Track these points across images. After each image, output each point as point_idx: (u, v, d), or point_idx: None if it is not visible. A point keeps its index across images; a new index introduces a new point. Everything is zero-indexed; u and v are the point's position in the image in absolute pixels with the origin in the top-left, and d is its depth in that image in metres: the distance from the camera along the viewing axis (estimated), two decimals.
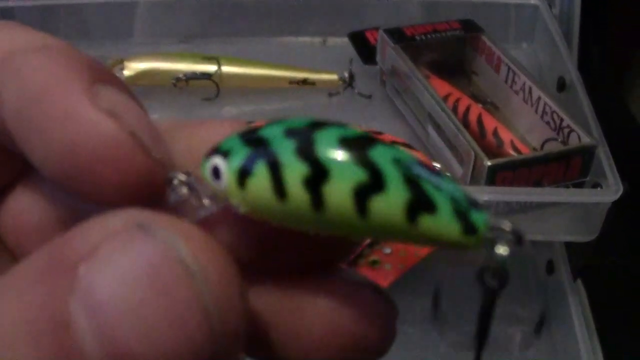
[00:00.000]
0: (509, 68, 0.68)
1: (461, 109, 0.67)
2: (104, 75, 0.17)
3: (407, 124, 0.69)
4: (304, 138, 0.14)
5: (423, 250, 0.76)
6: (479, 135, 0.65)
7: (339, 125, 0.14)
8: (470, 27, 0.73)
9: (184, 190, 0.16)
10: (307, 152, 0.14)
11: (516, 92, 0.68)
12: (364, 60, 0.77)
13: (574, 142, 0.60)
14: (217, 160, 0.15)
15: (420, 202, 0.14)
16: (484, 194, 0.57)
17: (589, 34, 0.95)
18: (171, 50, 0.78)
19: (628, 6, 1.13)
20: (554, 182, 0.59)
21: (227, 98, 0.74)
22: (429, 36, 0.72)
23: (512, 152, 0.63)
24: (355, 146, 0.14)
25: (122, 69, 0.71)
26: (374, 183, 0.14)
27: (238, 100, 0.74)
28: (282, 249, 0.16)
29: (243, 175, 0.15)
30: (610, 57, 1.14)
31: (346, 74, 0.74)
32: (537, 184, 0.59)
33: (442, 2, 0.85)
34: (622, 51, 1.20)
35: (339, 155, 0.14)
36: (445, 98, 0.67)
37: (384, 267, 0.74)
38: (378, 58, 0.74)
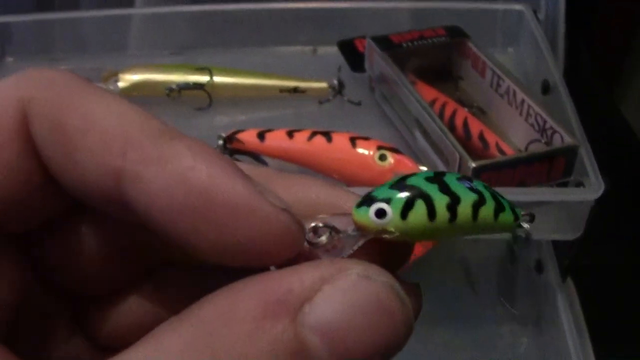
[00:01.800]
0: (494, 72, 0.70)
1: (447, 113, 0.69)
2: (246, 174, 0.21)
3: (396, 129, 0.71)
4: (439, 180, 0.22)
5: (416, 252, 0.78)
6: (465, 139, 0.66)
7: (451, 172, 0.24)
8: (456, 33, 0.75)
9: (324, 237, 0.22)
10: (445, 189, 0.21)
11: (501, 96, 0.69)
12: (354, 67, 0.78)
13: (557, 143, 0.62)
14: (383, 205, 0.21)
15: (500, 207, 0.23)
16: None
17: (578, 38, 0.97)
18: (164, 61, 0.80)
19: (616, 10, 1.15)
20: (538, 182, 0.61)
21: (219, 107, 0.75)
22: (415, 43, 0.73)
23: (497, 154, 0.65)
24: (467, 180, 0.22)
25: (117, 80, 0.73)
26: (481, 200, 0.22)
27: (230, 109, 0.76)
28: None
29: (406, 209, 0.21)
30: (600, 60, 1.16)
31: (336, 82, 0.75)
32: (522, 184, 0.60)
33: (430, 9, 0.86)
34: (610, 53, 1.21)
35: (461, 187, 0.22)
36: (432, 103, 0.69)
37: None
38: (366, 65, 0.75)
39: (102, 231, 0.23)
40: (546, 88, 0.72)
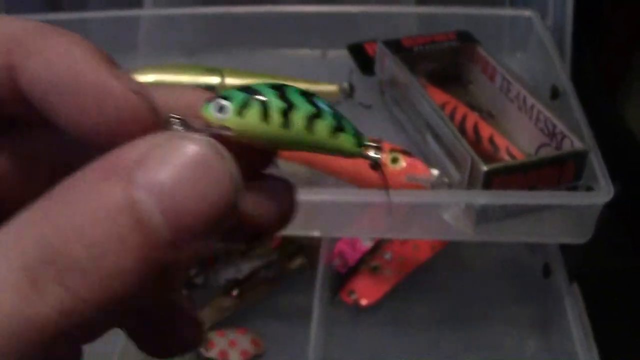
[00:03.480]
0: (504, 77, 0.70)
1: (458, 117, 0.69)
2: (114, 62, 0.23)
3: (406, 132, 0.71)
4: (281, 89, 0.23)
5: (422, 256, 0.78)
6: (475, 143, 0.67)
7: (296, 86, 0.24)
8: (466, 38, 0.75)
9: (180, 127, 0.23)
10: (283, 97, 0.23)
11: (511, 101, 0.70)
12: (363, 71, 0.79)
13: (567, 147, 0.62)
14: (223, 102, 0.23)
15: (339, 127, 0.24)
16: (480, 197, 0.59)
17: (584, 44, 0.98)
18: (175, 63, 0.80)
19: (622, 16, 1.15)
20: (548, 186, 0.61)
21: None
22: (426, 47, 0.74)
23: (507, 158, 0.65)
24: (308, 95, 0.24)
25: None
26: (318, 114, 0.23)
27: None
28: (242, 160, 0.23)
29: (242, 107, 0.23)
30: (604, 66, 1.17)
31: (346, 85, 0.76)
32: (533, 188, 0.61)
33: (439, 14, 0.87)
34: (616, 60, 1.22)
35: (300, 99, 0.23)
36: (442, 107, 0.69)
37: (385, 272, 0.76)
38: (377, 69, 0.76)
39: None
40: (555, 93, 0.73)
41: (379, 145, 0.25)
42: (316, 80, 0.77)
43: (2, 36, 0.23)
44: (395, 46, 0.73)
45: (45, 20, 0.78)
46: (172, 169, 0.20)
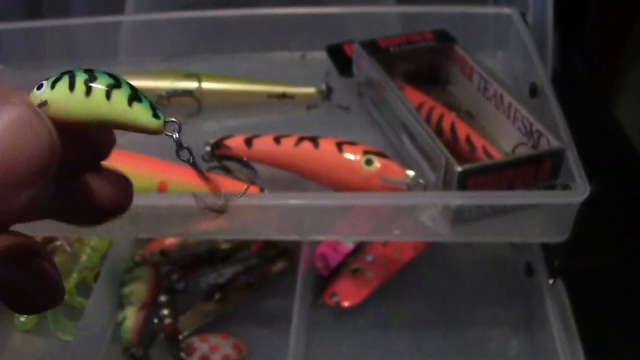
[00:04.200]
0: (481, 76, 0.70)
1: (434, 117, 0.69)
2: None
3: (383, 133, 0.71)
4: (91, 71, 0.27)
5: (404, 258, 0.78)
6: (452, 142, 0.66)
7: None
8: (443, 38, 0.75)
9: None
10: (90, 72, 0.26)
11: (489, 99, 0.69)
12: (342, 72, 0.79)
13: (543, 146, 0.62)
14: (43, 82, 0.27)
15: (136, 97, 0.27)
16: (455, 198, 0.59)
17: (571, 40, 0.97)
18: (154, 68, 0.80)
19: (610, 11, 1.15)
20: (525, 185, 0.61)
21: (209, 113, 0.76)
22: (403, 47, 0.73)
23: (484, 157, 0.65)
24: (110, 74, 0.27)
25: None
26: (116, 85, 0.26)
27: (219, 115, 0.76)
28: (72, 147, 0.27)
29: (55, 82, 0.26)
30: (595, 65, 1.16)
31: (323, 87, 0.75)
32: (509, 187, 0.60)
33: (420, 13, 0.87)
34: (607, 59, 1.21)
35: (104, 75, 0.27)
36: (419, 107, 0.69)
37: (367, 274, 0.76)
38: (355, 70, 0.76)
39: None
40: (534, 91, 0.72)
41: (178, 122, 0.28)
42: (294, 83, 0.76)
43: None
44: (372, 47, 0.73)
45: (27, 27, 0.78)
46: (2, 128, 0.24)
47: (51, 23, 0.88)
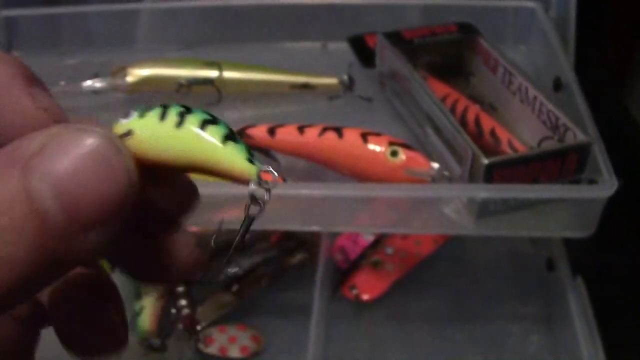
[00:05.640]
0: (506, 69, 0.69)
1: (459, 109, 0.68)
2: (36, 79, 0.24)
3: (407, 125, 0.70)
4: (188, 107, 0.24)
5: (424, 251, 0.77)
6: (477, 135, 0.66)
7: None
8: (467, 30, 0.74)
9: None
10: (187, 108, 0.24)
11: (513, 93, 0.69)
12: (364, 63, 0.78)
13: (569, 140, 0.61)
14: (131, 111, 0.24)
15: (232, 136, 0.24)
16: (481, 191, 0.58)
17: (588, 36, 0.96)
18: (173, 56, 0.79)
19: (626, 9, 1.14)
20: (550, 179, 0.60)
21: (229, 103, 0.75)
22: (427, 39, 0.73)
23: (509, 151, 0.64)
24: (208, 112, 0.24)
25: (125, 75, 0.72)
26: (212, 120, 0.24)
27: (240, 105, 0.76)
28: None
29: (145, 111, 0.24)
30: (609, 58, 1.15)
31: (346, 78, 0.75)
32: (535, 181, 0.60)
33: (441, 5, 0.86)
34: (621, 53, 1.21)
35: (200, 111, 0.24)
36: (443, 99, 0.69)
37: (386, 267, 0.75)
38: (377, 61, 0.75)
39: None
40: (558, 85, 0.72)
41: (274, 177, 0.24)
42: (316, 73, 0.76)
43: None
44: (396, 38, 0.72)
45: (44, 14, 0.77)
46: (68, 159, 0.21)
47: (68, 10, 0.87)
